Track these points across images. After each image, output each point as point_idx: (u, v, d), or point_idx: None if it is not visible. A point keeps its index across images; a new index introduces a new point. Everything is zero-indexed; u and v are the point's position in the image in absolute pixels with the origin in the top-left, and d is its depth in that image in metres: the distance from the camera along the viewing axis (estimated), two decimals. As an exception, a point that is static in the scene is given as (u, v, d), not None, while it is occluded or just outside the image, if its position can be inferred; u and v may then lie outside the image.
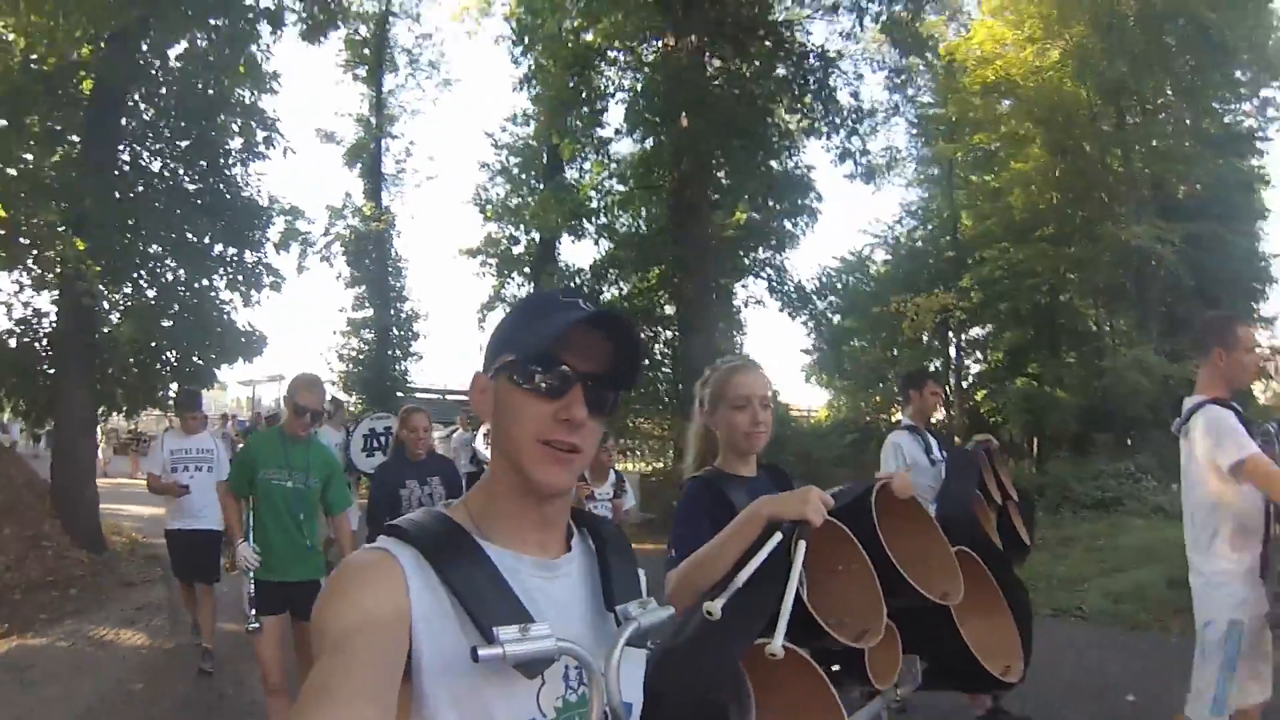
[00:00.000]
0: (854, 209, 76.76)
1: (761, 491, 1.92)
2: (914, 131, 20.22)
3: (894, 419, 18.03)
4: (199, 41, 10.46)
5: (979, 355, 19.14)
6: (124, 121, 10.31)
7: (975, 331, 18.94)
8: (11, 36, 8.33)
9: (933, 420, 4.68)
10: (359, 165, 20.35)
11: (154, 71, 10.50)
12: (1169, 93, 16.02)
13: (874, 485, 1.82)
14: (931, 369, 16.85)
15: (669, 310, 17.05)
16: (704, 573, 1.55)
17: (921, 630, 1.79)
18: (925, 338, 17.76)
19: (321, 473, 4.04)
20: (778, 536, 1.42)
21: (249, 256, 11.17)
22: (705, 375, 2.27)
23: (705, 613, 1.28)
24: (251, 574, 3.72)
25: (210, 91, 10.67)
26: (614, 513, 5.12)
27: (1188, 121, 16.29)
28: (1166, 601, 6.89)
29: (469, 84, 37.69)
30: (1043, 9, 15.93)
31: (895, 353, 18.31)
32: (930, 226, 20.44)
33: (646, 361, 16.31)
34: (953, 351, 18.85)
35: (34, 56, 8.72)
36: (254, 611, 3.64)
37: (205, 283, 10.81)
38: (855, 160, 15.83)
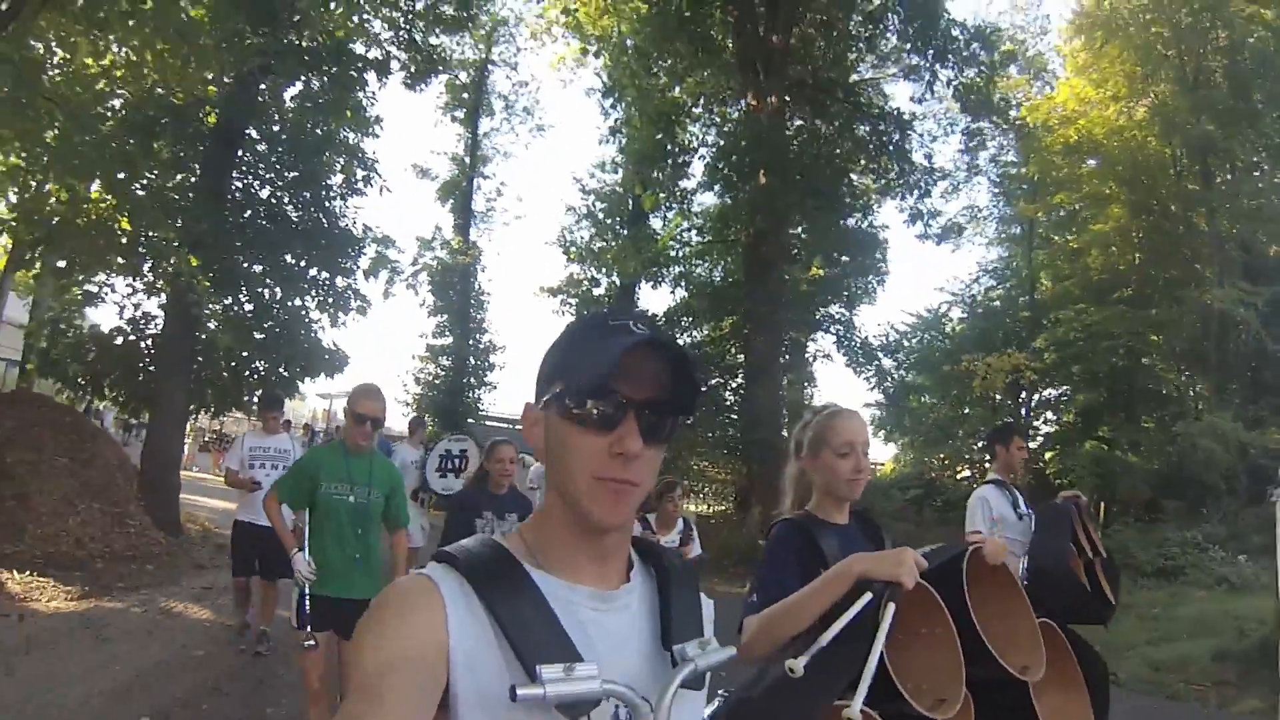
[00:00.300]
0: (936, 266, 75.75)
1: (852, 540, 1.97)
2: (996, 191, 20.20)
3: (959, 476, 17.79)
4: (312, 84, 11.58)
5: (1050, 416, 18.70)
6: (240, 153, 11.43)
7: (1049, 392, 18.50)
8: (146, 70, 9.43)
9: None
10: (451, 201, 21.57)
11: (270, 110, 11.62)
12: (1261, 151, 15.59)
13: (966, 550, 1.74)
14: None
15: (740, 359, 17.39)
16: (786, 623, 1.55)
17: (993, 701, 1.68)
18: (997, 397, 17.51)
19: (384, 487, 3.95)
20: (867, 596, 1.39)
21: (340, 281, 12.11)
22: (805, 419, 2.19)
23: (787, 669, 1.25)
24: (308, 588, 3.69)
25: (319, 131, 11.75)
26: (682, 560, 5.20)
27: (1279, 180, 15.78)
28: (1209, 674, 6.75)
29: (561, 130, 39.28)
30: (1127, 67, 15.89)
31: (967, 411, 18.20)
32: (1008, 286, 20.26)
33: (715, 407, 16.78)
34: (1024, 412, 18.44)
35: (159, 90, 9.84)
36: (308, 629, 3.66)
37: (298, 302, 11.80)
38: (925, 222, 15.94)
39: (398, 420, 17.82)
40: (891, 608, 1.38)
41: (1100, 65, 16.45)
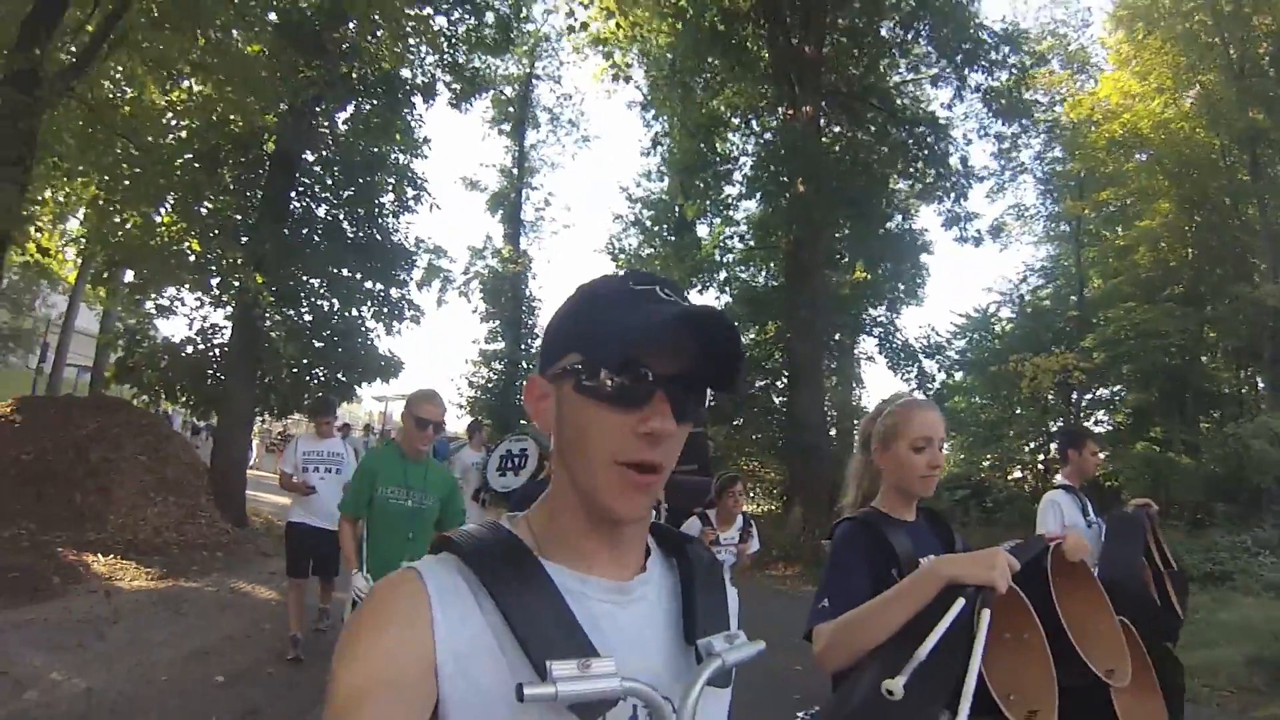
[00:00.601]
0: (985, 265, 74.73)
1: (922, 537, 1.88)
2: (1042, 189, 20.04)
3: (1009, 477, 17.66)
4: (363, 108, 12.35)
5: (1101, 416, 18.36)
6: (297, 176, 12.23)
7: (1101, 392, 18.22)
8: (209, 104, 10.26)
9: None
10: (500, 211, 22.31)
11: (324, 135, 12.40)
12: None
13: (1048, 547, 1.68)
14: (1055, 429, 16.59)
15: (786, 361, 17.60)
16: (867, 632, 1.44)
17: (1073, 707, 1.57)
18: (1050, 398, 17.38)
19: (439, 491, 3.97)
20: (960, 603, 1.29)
21: (394, 292, 12.88)
22: (878, 410, 2.04)
23: (885, 692, 1.16)
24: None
25: (372, 150, 12.51)
26: (739, 556, 4.98)
27: None
28: (1238, 679, 6.61)
29: (607, 140, 39.90)
30: (1171, 58, 15.65)
31: (1019, 411, 18.11)
32: (1057, 284, 20.07)
33: (761, 409, 17.02)
34: (1075, 413, 18.23)
35: (215, 119, 10.67)
36: None
37: (355, 313, 12.60)
38: (962, 225, 16.03)
39: (454, 424, 18.51)
40: (987, 615, 1.29)
41: (1143, 57, 16.18)
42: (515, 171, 22.52)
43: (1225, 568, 10.75)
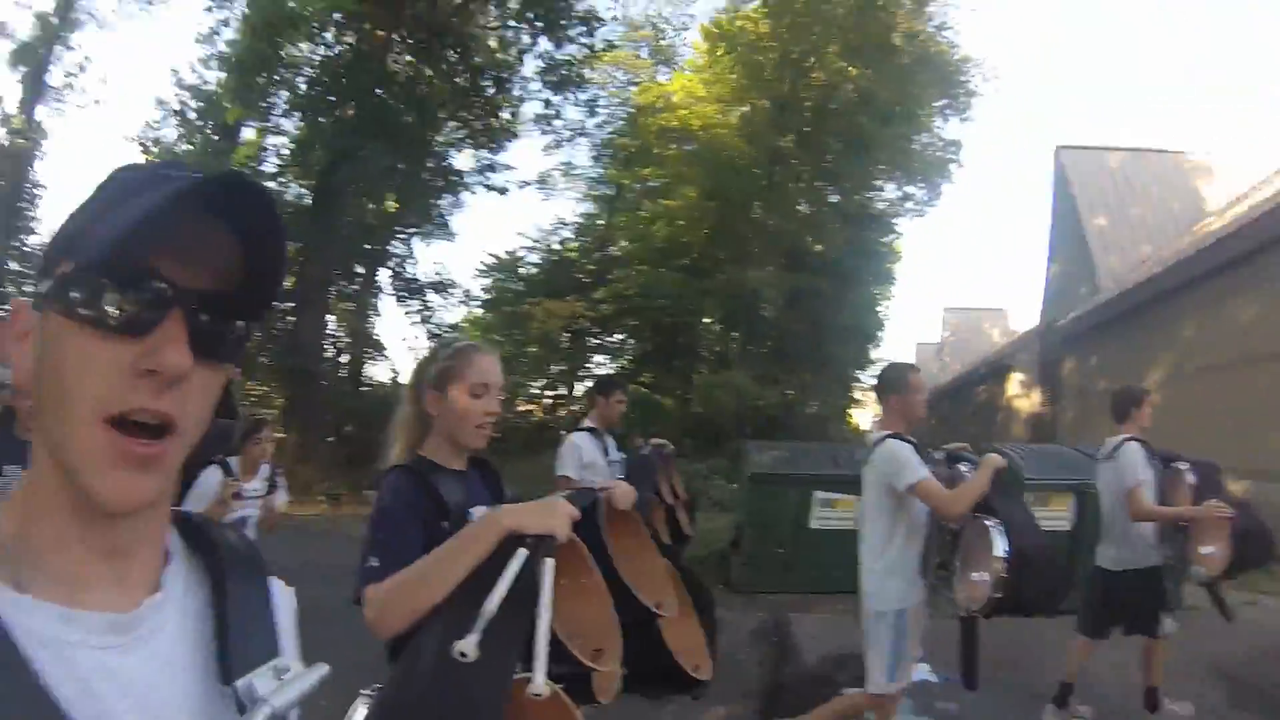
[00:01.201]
0: (534, 213, 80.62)
1: (474, 488, 1.86)
2: (595, 155, 22.06)
3: (516, 411, 19.40)
4: None
5: (602, 360, 20.95)
6: None
7: (609, 340, 20.93)
8: None
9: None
10: (24, 70, 18.25)
11: None
12: (823, 174, 18.83)
13: (598, 497, 1.73)
14: (559, 371, 18.97)
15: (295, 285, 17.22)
16: (425, 591, 1.33)
17: (630, 640, 1.65)
18: (564, 339, 19.50)
19: None
20: (522, 553, 1.28)
21: None
22: (434, 352, 1.96)
23: (457, 654, 1.10)
24: None
25: None
26: (264, 511, 4.37)
27: (833, 199, 19.27)
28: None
29: (176, 5, 31.97)
30: (737, 79, 18.18)
31: (533, 349, 19.97)
32: (586, 240, 22.13)
33: (265, 331, 15.88)
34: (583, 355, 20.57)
35: None
36: None
37: None
38: (487, 175, 17.82)
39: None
40: (550, 564, 1.28)
41: (715, 70, 18.53)
42: (55, 21, 18.47)
43: (688, 489, 13.64)
